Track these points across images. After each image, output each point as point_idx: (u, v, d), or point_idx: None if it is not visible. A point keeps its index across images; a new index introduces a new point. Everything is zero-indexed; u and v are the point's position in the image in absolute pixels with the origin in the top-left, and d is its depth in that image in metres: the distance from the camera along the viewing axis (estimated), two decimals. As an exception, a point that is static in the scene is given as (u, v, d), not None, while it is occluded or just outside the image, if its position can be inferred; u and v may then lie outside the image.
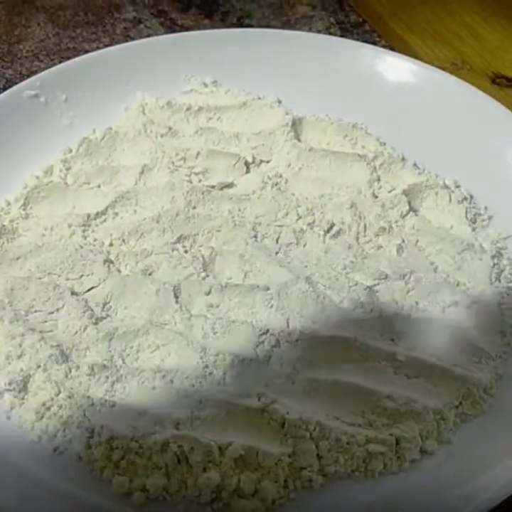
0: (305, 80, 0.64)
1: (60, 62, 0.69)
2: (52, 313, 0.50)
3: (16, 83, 0.67)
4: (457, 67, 0.65)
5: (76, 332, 0.49)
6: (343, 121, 0.61)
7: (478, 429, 0.45)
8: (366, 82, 0.63)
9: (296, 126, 0.61)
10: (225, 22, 0.73)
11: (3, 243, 0.54)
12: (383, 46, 0.70)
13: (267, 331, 0.48)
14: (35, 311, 0.50)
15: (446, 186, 0.57)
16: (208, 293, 0.51)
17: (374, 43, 0.70)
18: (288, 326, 0.49)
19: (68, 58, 0.70)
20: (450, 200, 0.56)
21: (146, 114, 0.62)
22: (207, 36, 0.66)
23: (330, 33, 0.72)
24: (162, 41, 0.66)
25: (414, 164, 0.59)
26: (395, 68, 0.63)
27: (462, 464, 0.44)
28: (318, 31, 0.73)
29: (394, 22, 0.71)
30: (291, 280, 0.51)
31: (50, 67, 0.69)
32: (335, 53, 0.64)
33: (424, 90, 0.62)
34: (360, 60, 0.64)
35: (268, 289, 0.50)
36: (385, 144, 0.60)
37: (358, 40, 0.70)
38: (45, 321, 0.50)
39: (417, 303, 0.51)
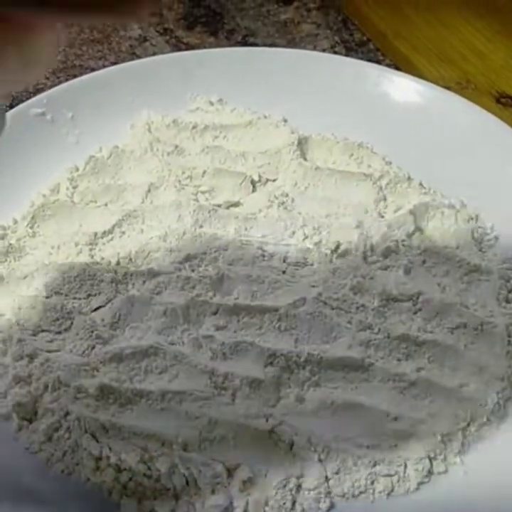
0: (310, 98, 0.65)
1: (66, 79, 0.70)
2: (60, 333, 0.50)
3: (23, 101, 0.67)
4: (462, 87, 0.66)
5: (83, 352, 0.49)
6: (349, 140, 0.61)
7: (488, 451, 0.45)
8: (372, 101, 0.64)
9: (301, 145, 0.61)
10: (230, 40, 0.74)
11: (10, 262, 0.54)
12: (388, 65, 0.71)
13: (275, 352, 0.48)
14: (43, 331, 0.50)
15: (452, 206, 0.57)
16: (216, 313, 0.51)
17: (378, 62, 0.71)
18: (296, 347, 0.49)
19: (74, 76, 0.70)
20: (456, 220, 0.56)
21: (152, 132, 0.62)
22: (212, 55, 0.66)
23: (335, 52, 0.73)
24: (168, 59, 0.66)
25: (420, 184, 0.59)
26: (400, 87, 0.63)
27: (471, 487, 0.44)
28: (323, 50, 0.73)
29: (398, 41, 0.71)
30: (299, 301, 0.51)
31: (56, 84, 0.69)
32: (340, 72, 0.65)
33: (429, 109, 0.62)
34: (366, 79, 0.64)
35: (276, 310, 0.50)
36: (390, 163, 0.60)
37: (362, 58, 0.70)
38: (53, 341, 0.50)
39: (424, 324, 0.51)
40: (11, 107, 0.67)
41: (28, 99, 0.67)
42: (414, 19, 0.74)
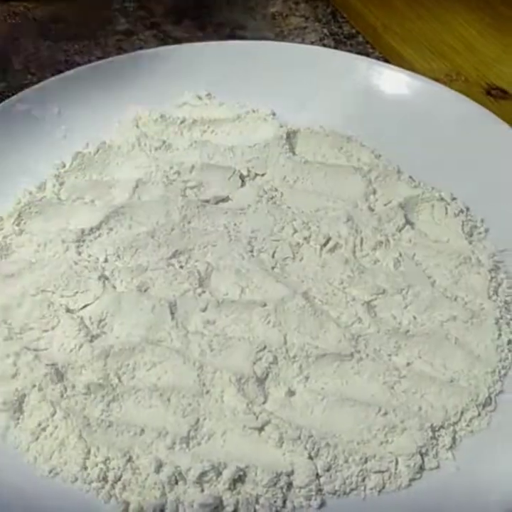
0: (299, 91, 0.64)
1: (53, 75, 0.69)
2: (47, 331, 0.49)
3: (8, 97, 0.66)
4: (452, 79, 0.65)
5: (71, 350, 0.48)
6: (338, 133, 0.61)
7: (480, 445, 0.45)
8: (361, 94, 0.63)
9: (290, 138, 0.61)
10: (218, 34, 0.73)
11: (-4, 260, 0.54)
12: (377, 58, 0.70)
13: (265, 347, 0.48)
14: (30, 329, 0.49)
15: (442, 199, 0.57)
16: (205, 309, 0.50)
17: (368, 55, 0.70)
18: (285, 342, 0.48)
19: (60, 71, 0.69)
20: (446, 212, 0.56)
21: (139, 127, 0.62)
22: (200, 48, 0.66)
23: (324, 45, 0.72)
24: (155, 53, 0.66)
25: (410, 177, 0.58)
26: (390, 80, 0.63)
27: (464, 482, 0.43)
28: (312, 43, 0.73)
29: (388, 34, 0.71)
30: (288, 295, 0.50)
31: (42, 80, 0.68)
32: (329, 65, 0.64)
33: (419, 102, 0.62)
34: (355, 71, 0.64)
35: (265, 305, 0.50)
36: (380, 156, 0.60)
37: (351, 51, 0.70)
38: (40, 339, 0.49)
39: (415, 317, 0.50)
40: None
41: (13, 95, 0.66)
42: (404, 12, 0.73)
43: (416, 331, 0.50)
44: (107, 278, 0.52)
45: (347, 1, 0.75)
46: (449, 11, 0.73)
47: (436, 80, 0.63)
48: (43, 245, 0.54)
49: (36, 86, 0.62)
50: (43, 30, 0.72)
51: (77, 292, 0.51)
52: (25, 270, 0.52)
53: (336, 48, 0.72)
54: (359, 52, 0.70)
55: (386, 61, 0.69)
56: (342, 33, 0.73)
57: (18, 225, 0.56)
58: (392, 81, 0.63)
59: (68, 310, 0.50)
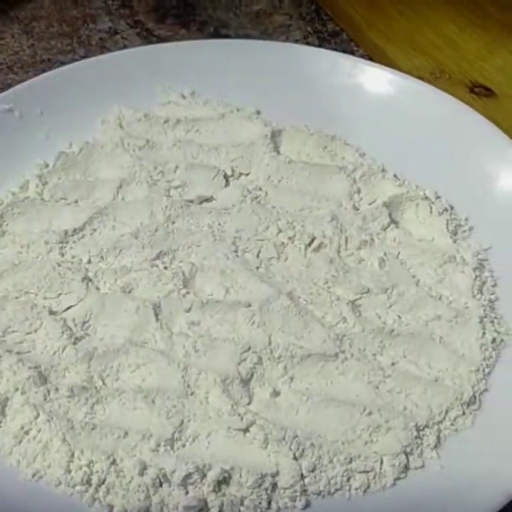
0: (283, 90, 0.64)
1: (35, 74, 0.68)
2: (30, 333, 0.49)
3: (-10, 96, 0.66)
4: (436, 77, 0.65)
5: (54, 352, 0.48)
6: (323, 132, 0.61)
7: (464, 444, 0.45)
8: (345, 93, 0.63)
9: (275, 137, 0.61)
10: (202, 32, 0.73)
11: (-23, 262, 0.53)
12: (361, 56, 0.70)
13: (249, 348, 0.48)
14: (13, 332, 0.49)
15: (426, 197, 0.57)
16: (189, 310, 0.50)
17: (352, 53, 0.70)
18: (270, 343, 0.48)
19: (43, 70, 0.69)
20: (431, 211, 0.56)
21: (123, 127, 0.61)
22: (184, 47, 0.66)
23: (308, 43, 0.72)
24: (138, 52, 0.65)
25: (395, 175, 0.58)
26: (374, 78, 0.63)
27: (448, 481, 0.43)
28: (296, 40, 0.72)
29: (371, 32, 0.70)
30: (273, 296, 0.50)
31: (25, 79, 0.68)
32: (313, 63, 0.64)
33: (403, 100, 0.62)
34: (339, 70, 0.63)
35: (249, 305, 0.50)
36: (364, 154, 0.60)
37: (335, 49, 0.70)
38: (23, 342, 0.49)
39: (399, 317, 0.50)
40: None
41: (-5, 94, 0.65)
42: (387, 9, 0.73)
43: (400, 330, 0.50)
44: (90, 279, 0.52)
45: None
46: (432, 8, 0.73)
47: (421, 78, 0.63)
48: (25, 246, 0.54)
49: (18, 86, 0.61)
50: (25, 29, 0.72)
51: (60, 294, 0.51)
52: (8, 272, 0.52)
53: (320, 46, 0.71)
54: (343, 50, 0.70)
55: (370, 59, 0.69)
56: (326, 31, 0.73)
57: (0, 226, 0.55)
58: (377, 79, 0.63)
59: (51, 312, 0.50)
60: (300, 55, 0.64)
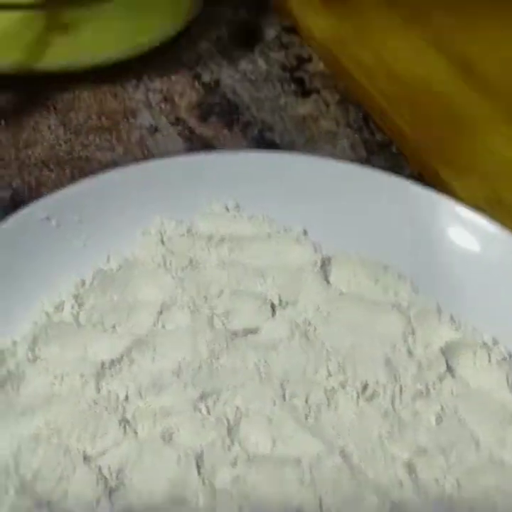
0: (332, 211, 0.61)
1: (72, 172, 0.66)
2: (62, 480, 0.46)
3: (23, 194, 0.64)
4: (492, 205, 0.62)
5: (88, 505, 0.45)
6: (374, 261, 0.58)
7: None
8: (402, 222, 0.60)
9: (325, 265, 0.58)
10: (245, 134, 0.70)
11: (8, 392, 0.50)
12: (411, 175, 0.67)
13: (298, 510, 0.44)
14: (43, 479, 0.45)
15: (484, 344, 0.53)
16: (234, 464, 0.47)
17: (402, 168, 0.68)
18: (320, 506, 0.45)
19: (80, 168, 0.66)
20: (489, 360, 0.53)
21: (165, 243, 0.58)
22: (229, 158, 0.63)
23: (355, 152, 0.69)
24: (181, 162, 0.63)
25: (451, 317, 0.55)
26: (436, 212, 0.60)
27: None
28: (343, 149, 0.70)
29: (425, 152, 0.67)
30: (324, 452, 0.47)
31: (61, 177, 0.66)
32: (367, 185, 0.61)
33: (469, 242, 0.59)
34: (397, 196, 0.60)
35: (299, 462, 0.47)
36: (418, 289, 0.57)
37: (385, 164, 0.67)
38: (54, 490, 0.45)
39: (458, 483, 0.47)
40: (11, 200, 0.63)
41: (29, 193, 0.63)
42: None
43: (459, 497, 0.46)
44: (127, 421, 0.48)
45: (377, 105, 0.73)
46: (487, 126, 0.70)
47: (476, 207, 0.60)
48: (59, 378, 0.50)
49: (55, 194, 0.58)
50: (62, 120, 0.69)
51: (95, 436, 0.47)
52: (41, 407, 0.49)
53: (367, 157, 0.69)
54: (392, 166, 0.67)
55: (420, 176, 0.66)
56: (374, 141, 0.70)
57: (32, 350, 0.52)
58: (439, 214, 0.60)
59: (85, 457, 0.46)
60: (353, 176, 0.61)
